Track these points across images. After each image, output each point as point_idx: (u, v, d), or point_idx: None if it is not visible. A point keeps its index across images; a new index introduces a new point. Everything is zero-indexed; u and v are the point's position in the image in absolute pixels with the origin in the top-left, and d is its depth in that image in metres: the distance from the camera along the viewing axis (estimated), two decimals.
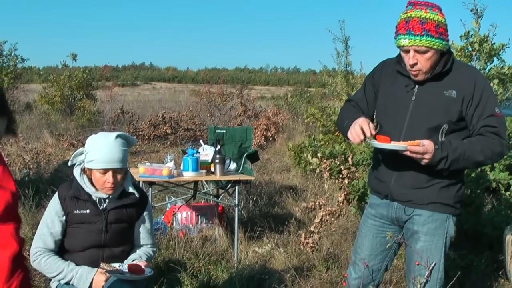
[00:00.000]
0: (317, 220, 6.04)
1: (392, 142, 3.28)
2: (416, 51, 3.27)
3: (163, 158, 6.52)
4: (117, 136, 3.61)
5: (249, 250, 6.58)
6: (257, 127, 15.44)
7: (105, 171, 3.53)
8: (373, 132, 3.37)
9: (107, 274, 3.40)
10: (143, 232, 3.81)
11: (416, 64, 3.30)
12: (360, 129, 3.34)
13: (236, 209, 6.44)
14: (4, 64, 20.73)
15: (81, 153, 3.66)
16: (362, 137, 3.33)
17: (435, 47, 3.25)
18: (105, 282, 3.44)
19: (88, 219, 3.60)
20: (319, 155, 6.99)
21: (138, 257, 3.68)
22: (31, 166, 10.37)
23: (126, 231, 3.74)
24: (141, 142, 15.52)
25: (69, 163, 3.75)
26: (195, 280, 5.60)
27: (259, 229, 7.10)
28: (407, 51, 3.31)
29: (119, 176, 3.57)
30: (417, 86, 3.44)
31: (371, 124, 3.38)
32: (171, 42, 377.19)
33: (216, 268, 5.89)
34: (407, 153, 3.21)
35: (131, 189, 3.71)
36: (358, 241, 3.82)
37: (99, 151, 3.54)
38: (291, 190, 9.46)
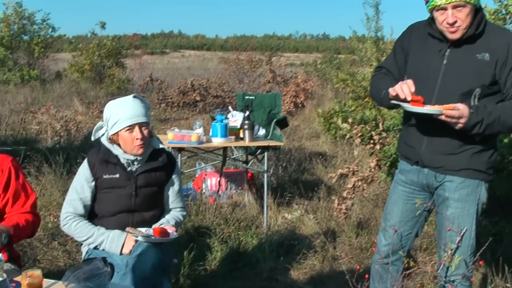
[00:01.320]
0: (349, 186, 6.01)
1: (426, 106, 3.20)
2: (455, 7, 3.18)
3: (192, 125, 6.51)
4: (134, 96, 3.62)
5: (278, 216, 6.59)
6: (286, 94, 15.35)
7: (131, 127, 3.51)
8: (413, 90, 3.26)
9: (136, 238, 3.42)
10: (172, 195, 3.81)
11: (455, 22, 3.21)
12: (407, 87, 3.23)
13: (266, 175, 6.43)
14: (36, 34, 20.88)
15: (101, 127, 3.65)
16: (409, 97, 3.22)
17: (472, 1, 3.17)
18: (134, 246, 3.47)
19: (118, 184, 3.61)
20: (349, 120, 6.91)
21: (166, 222, 3.68)
22: (62, 134, 10.47)
23: (156, 195, 3.74)
24: (170, 110, 15.57)
25: (92, 138, 3.74)
26: (225, 245, 5.62)
27: (289, 195, 7.10)
28: (445, 9, 3.22)
29: (145, 131, 3.55)
30: (448, 50, 3.35)
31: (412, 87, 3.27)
32: (200, 10, 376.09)
33: (246, 234, 5.91)
34: (442, 117, 3.13)
35: (160, 146, 3.70)
36: (388, 208, 3.77)
37: (121, 111, 3.54)
38: (320, 157, 9.42)
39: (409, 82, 3.24)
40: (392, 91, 3.28)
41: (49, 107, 13.29)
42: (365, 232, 5.97)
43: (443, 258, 3.45)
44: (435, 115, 3.14)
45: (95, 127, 3.67)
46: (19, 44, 21.11)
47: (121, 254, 3.47)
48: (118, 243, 3.50)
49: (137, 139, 3.51)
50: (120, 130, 3.53)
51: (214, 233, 5.74)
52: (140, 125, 3.52)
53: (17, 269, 3.32)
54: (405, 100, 3.23)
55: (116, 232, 3.55)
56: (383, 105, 3.64)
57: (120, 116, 3.52)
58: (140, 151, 3.57)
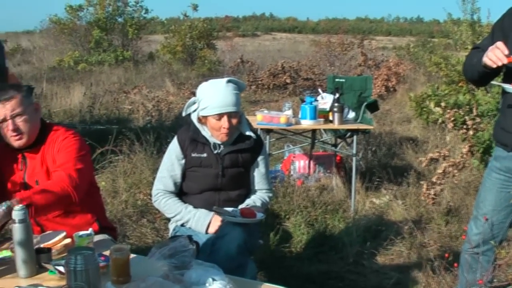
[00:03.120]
0: (439, 171, 5.86)
1: None
2: None
3: (282, 107, 6.50)
4: (228, 81, 3.59)
5: (366, 200, 6.52)
6: (377, 77, 15.10)
7: (220, 116, 3.53)
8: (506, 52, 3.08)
9: (223, 218, 3.44)
10: (258, 176, 3.80)
11: None
12: (499, 52, 3.08)
13: (354, 159, 6.37)
14: (129, 16, 21.36)
15: (194, 103, 3.66)
16: (505, 60, 3.06)
17: None
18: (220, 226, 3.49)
19: (205, 163, 3.64)
20: (442, 104, 6.73)
21: (252, 203, 3.68)
22: (153, 114, 10.68)
23: (242, 175, 3.74)
24: (260, 92, 15.61)
25: (183, 114, 3.77)
26: (311, 228, 5.62)
27: (377, 179, 6.99)
28: None
29: (234, 121, 3.56)
30: None
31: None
32: None
33: (333, 217, 5.88)
34: None
35: (248, 132, 3.70)
36: (481, 195, 3.64)
37: (212, 97, 3.53)
38: (411, 142, 9.25)
39: (499, 44, 3.09)
40: (485, 59, 3.13)
41: (141, 87, 13.59)
42: (455, 220, 5.82)
43: None
44: None
45: (188, 102, 3.69)
46: (114, 25, 21.65)
47: (206, 233, 3.51)
48: (204, 222, 3.54)
49: (223, 128, 3.52)
50: (209, 116, 3.56)
51: (301, 216, 5.74)
52: (229, 114, 3.52)
53: (113, 241, 3.41)
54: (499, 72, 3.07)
55: (203, 211, 3.59)
56: (474, 78, 3.47)
57: (210, 102, 3.52)
58: (225, 138, 3.59)
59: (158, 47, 23.04)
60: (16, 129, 3.21)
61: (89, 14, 21.49)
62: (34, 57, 22.20)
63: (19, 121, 3.22)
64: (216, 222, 3.51)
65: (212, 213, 3.54)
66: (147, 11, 21.91)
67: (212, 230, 3.50)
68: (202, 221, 3.55)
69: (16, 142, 3.27)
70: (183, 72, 18.60)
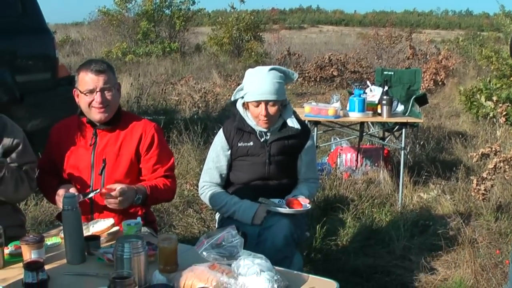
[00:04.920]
0: (490, 166, 5.74)
1: None
2: None
3: (329, 100, 6.47)
4: (272, 69, 3.59)
5: (414, 195, 6.44)
6: (426, 71, 14.90)
7: (257, 103, 3.53)
8: None
9: (269, 208, 3.43)
10: (306, 164, 3.78)
11: None
12: None
13: (402, 152, 6.29)
14: (177, 7, 21.50)
15: (242, 89, 3.68)
16: None
17: None
18: (265, 217, 3.48)
19: (252, 152, 3.65)
20: (494, 98, 6.60)
21: (299, 193, 3.66)
22: (200, 105, 10.73)
23: (289, 163, 3.74)
24: (307, 84, 15.57)
25: (232, 98, 3.80)
26: (358, 221, 5.57)
27: (425, 174, 6.89)
28: None
29: (272, 109, 3.55)
30: None
31: None
32: None
33: (380, 211, 5.84)
34: None
35: (290, 123, 3.68)
36: None
37: (253, 84, 3.57)
38: (460, 136, 9.09)
39: None
40: None
41: (188, 78, 13.67)
42: (505, 216, 5.70)
43: None
44: None
45: (238, 87, 3.71)
46: (161, 17, 21.82)
47: (252, 224, 3.51)
48: (250, 213, 3.54)
49: (261, 115, 3.53)
50: (249, 102, 3.56)
51: (348, 209, 5.70)
52: (267, 102, 3.51)
53: (153, 234, 3.42)
54: None
55: (248, 202, 3.59)
56: None
57: (251, 89, 3.55)
58: (265, 125, 3.60)
59: (205, 39, 23.16)
60: (103, 101, 3.27)
61: (137, 6, 21.71)
62: (82, 48, 22.51)
63: (107, 95, 3.29)
64: (261, 213, 3.50)
65: (258, 204, 3.54)
66: (194, 3, 22.02)
67: (257, 221, 3.49)
68: (248, 212, 3.54)
69: (98, 115, 3.32)
70: (230, 64, 18.65)
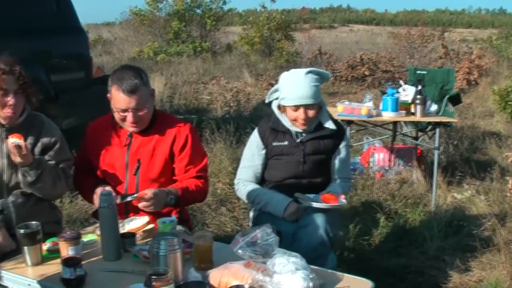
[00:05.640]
0: None
1: None
2: None
3: (360, 99, 6.46)
4: (308, 72, 3.59)
5: (447, 195, 6.39)
6: (458, 70, 14.74)
7: (296, 107, 3.55)
8: None
9: (302, 202, 3.44)
10: (340, 164, 3.79)
11: None
12: None
13: (436, 152, 6.24)
14: (208, 7, 21.58)
15: (276, 90, 3.70)
16: None
17: None
18: (299, 210, 3.49)
19: (287, 151, 3.67)
20: None
21: (333, 190, 3.66)
22: (232, 104, 10.76)
23: (323, 162, 3.75)
24: (338, 83, 15.52)
25: (266, 101, 3.84)
26: (391, 221, 5.55)
27: (459, 174, 6.83)
28: None
29: (310, 112, 3.56)
30: None
31: None
32: None
33: (413, 211, 5.80)
34: None
35: (327, 124, 3.68)
36: None
37: (290, 88, 3.58)
38: (494, 136, 9.00)
39: None
40: None
41: (219, 78, 13.71)
42: None
43: None
44: None
45: (272, 89, 3.74)
46: (192, 17, 21.90)
47: (283, 217, 3.52)
48: (282, 206, 3.55)
49: (300, 118, 3.56)
50: (286, 106, 3.58)
51: (380, 208, 5.67)
52: (306, 106, 3.52)
53: (188, 232, 3.44)
54: None
55: (281, 196, 3.61)
56: None
57: (288, 94, 3.58)
58: (303, 127, 3.63)
59: (236, 38, 23.18)
60: (135, 120, 3.30)
61: (169, 6, 21.82)
62: (114, 48, 22.67)
63: (140, 113, 3.30)
64: (293, 207, 3.52)
65: (290, 198, 3.56)
66: (225, 2, 22.07)
67: (289, 214, 3.52)
68: (280, 205, 3.57)
69: (131, 129, 3.36)
70: (261, 63, 18.64)
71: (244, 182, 3.79)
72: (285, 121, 3.68)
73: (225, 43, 23.27)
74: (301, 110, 3.54)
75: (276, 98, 3.70)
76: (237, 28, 27.66)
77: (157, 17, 21.95)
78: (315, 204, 3.39)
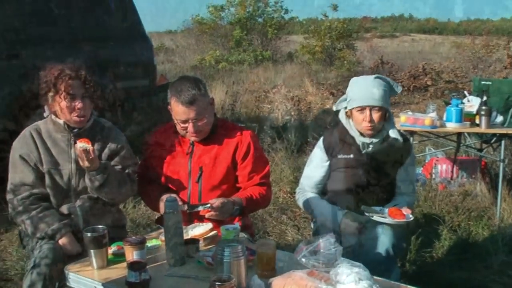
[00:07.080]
0: None
1: None
2: None
3: (423, 109, 6.37)
4: (377, 77, 3.59)
5: None
6: None
7: (361, 108, 3.53)
8: None
9: (371, 217, 3.41)
10: (405, 178, 3.75)
11: None
12: None
13: (501, 164, 6.11)
14: (269, 16, 21.68)
15: (345, 99, 3.69)
16: None
17: None
18: (357, 224, 3.48)
19: (352, 164, 3.65)
20: None
21: (400, 204, 3.63)
22: (292, 113, 10.74)
23: (388, 176, 3.72)
24: (400, 93, 15.32)
25: (334, 108, 3.83)
26: (454, 234, 5.45)
27: None
28: None
29: (376, 115, 3.53)
30: None
31: None
32: None
33: (477, 224, 5.68)
34: None
35: (392, 134, 3.65)
36: None
37: (357, 90, 3.59)
38: None
39: None
40: None
41: (280, 86, 13.72)
42: None
43: None
44: None
45: (341, 98, 3.73)
46: (254, 25, 22.08)
47: (334, 232, 3.50)
48: (336, 220, 3.55)
49: (365, 121, 3.52)
50: (353, 109, 3.55)
51: (443, 221, 5.59)
52: (371, 108, 3.50)
53: (250, 239, 3.46)
54: None
55: (335, 208, 3.61)
56: None
57: (354, 95, 3.56)
58: (368, 133, 3.59)
59: (297, 47, 23.20)
60: (196, 131, 3.36)
61: (231, 15, 22.02)
62: (176, 56, 22.96)
63: (200, 123, 3.35)
64: (346, 220, 3.52)
65: (344, 211, 3.55)
66: (286, 11, 22.17)
67: (343, 229, 3.52)
68: (334, 219, 3.56)
69: (193, 138, 3.43)
70: (322, 72, 18.61)
71: (304, 192, 3.81)
72: (352, 130, 3.67)
73: (286, 52, 23.32)
74: (367, 112, 3.52)
75: (345, 108, 3.69)
76: (299, 37, 27.68)
77: (219, 25, 22.17)
78: (383, 220, 3.36)
